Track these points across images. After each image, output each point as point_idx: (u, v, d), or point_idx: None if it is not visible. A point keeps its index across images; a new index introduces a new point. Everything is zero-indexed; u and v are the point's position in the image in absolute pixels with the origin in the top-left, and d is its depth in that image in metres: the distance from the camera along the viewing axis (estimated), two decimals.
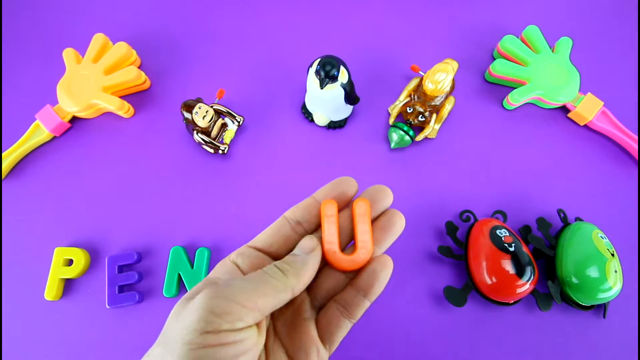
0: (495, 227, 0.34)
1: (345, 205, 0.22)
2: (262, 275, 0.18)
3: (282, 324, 0.20)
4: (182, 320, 0.16)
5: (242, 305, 0.16)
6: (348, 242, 0.22)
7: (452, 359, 0.34)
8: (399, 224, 0.21)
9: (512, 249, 0.32)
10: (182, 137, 0.42)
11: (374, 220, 0.21)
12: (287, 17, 0.47)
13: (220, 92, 0.41)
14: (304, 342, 0.19)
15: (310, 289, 0.21)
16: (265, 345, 0.20)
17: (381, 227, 0.21)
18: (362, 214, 0.20)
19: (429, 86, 0.37)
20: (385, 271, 0.20)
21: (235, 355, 0.16)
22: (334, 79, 0.35)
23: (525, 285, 0.31)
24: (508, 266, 0.31)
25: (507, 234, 0.33)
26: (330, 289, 0.21)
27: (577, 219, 0.37)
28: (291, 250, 0.21)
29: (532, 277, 0.31)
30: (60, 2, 0.50)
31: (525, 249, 0.33)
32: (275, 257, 0.21)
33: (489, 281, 0.32)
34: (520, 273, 0.31)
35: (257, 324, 0.18)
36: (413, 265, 0.37)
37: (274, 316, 0.21)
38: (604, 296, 0.32)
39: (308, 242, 0.20)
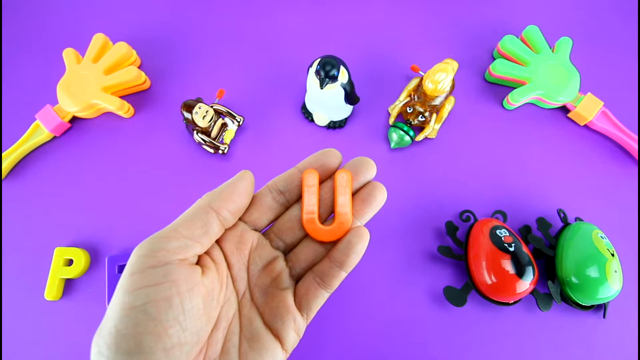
0: (495, 227, 0.34)
1: (328, 177, 0.22)
2: (190, 208, 0.19)
3: (260, 292, 0.21)
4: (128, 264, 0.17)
5: (166, 239, 0.17)
6: (330, 214, 0.22)
7: (452, 359, 0.34)
8: (380, 197, 0.21)
9: (512, 249, 0.32)
10: (182, 137, 0.42)
11: (355, 192, 0.21)
12: (287, 17, 0.47)
13: (220, 92, 0.41)
14: (280, 311, 0.19)
15: (289, 259, 0.22)
16: (241, 312, 0.20)
17: (362, 200, 0.21)
18: (343, 185, 0.20)
19: (429, 86, 0.37)
20: (360, 243, 0.20)
21: (178, 293, 0.16)
22: (334, 79, 0.35)
23: (525, 285, 0.31)
24: (508, 266, 0.31)
25: (507, 234, 0.33)
26: (309, 259, 0.21)
27: (577, 219, 0.37)
28: (272, 220, 0.22)
29: (532, 277, 0.31)
30: (60, 2, 0.50)
31: (525, 249, 0.33)
32: (255, 226, 0.21)
33: (489, 281, 0.32)
34: (520, 273, 0.31)
35: (200, 264, 0.19)
36: (413, 265, 0.37)
37: (252, 285, 0.21)
38: (604, 296, 0.32)
39: (240, 172, 0.20)
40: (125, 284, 0.16)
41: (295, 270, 0.21)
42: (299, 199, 0.22)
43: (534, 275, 0.32)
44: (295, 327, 0.20)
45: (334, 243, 0.21)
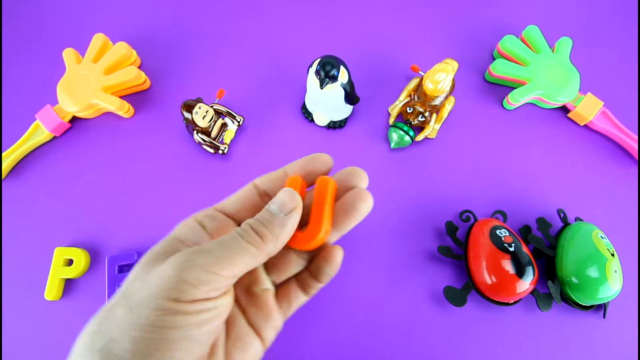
0: (495, 227, 0.34)
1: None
2: (238, 241, 0.17)
3: (242, 292, 0.20)
4: (152, 285, 0.16)
5: (218, 275, 0.16)
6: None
7: (452, 359, 0.34)
8: (363, 207, 0.19)
9: (512, 249, 0.32)
10: (182, 137, 0.42)
11: (340, 197, 0.20)
12: (287, 17, 0.47)
13: (220, 92, 0.41)
14: (263, 311, 0.19)
15: (268, 264, 0.21)
16: None
17: (344, 210, 0.20)
18: (323, 194, 0.19)
19: (429, 86, 0.37)
20: (331, 266, 0.20)
21: (207, 321, 0.16)
22: (334, 79, 0.35)
23: (525, 285, 0.31)
24: (508, 266, 0.31)
25: (507, 234, 0.33)
26: (283, 266, 0.21)
27: (577, 219, 0.37)
28: None
29: (532, 277, 0.31)
30: (60, 2, 0.50)
31: (525, 249, 0.33)
32: (240, 222, 0.21)
33: (489, 281, 0.32)
34: (520, 273, 0.31)
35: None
36: (413, 265, 0.37)
37: (235, 284, 0.20)
38: (604, 296, 0.32)
39: (288, 198, 0.18)
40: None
41: (274, 275, 0.21)
42: None
43: (534, 275, 0.32)
44: (276, 325, 0.20)
45: (311, 252, 0.21)
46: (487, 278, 0.32)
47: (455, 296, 0.34)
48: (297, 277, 0.21)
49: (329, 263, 0.20)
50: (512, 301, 0.33)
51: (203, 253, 0.16)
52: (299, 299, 0.20)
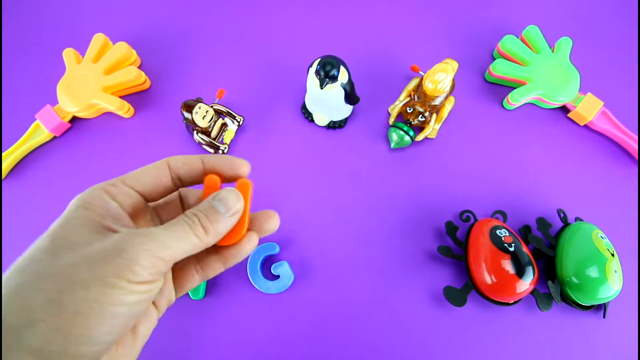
0: (495, 227, 0.34)
1: (234, 180, 0.22)
2: (186, 232, 0.18)
3: None
4: (100, 262, 0.16)
5: (164, 260, 0.17)
6: None
7: (452, 359, 0.34)
8: (270, 227, 0.22)
9: (512, 249, 0.32)
10: (182, 137, 0.42)
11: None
12: (287, 17, 0.47)
13: (220, 92, 0.41)
14: (163, 286, 0.20)
15: None
16: None
17: (256, 227, 0.22)
18: (244, 195, 0.21)
19: (429, 86, 0.37)
20: (248, 245, 0.21)
21: (146, 300, 0.17)
22: (334, 79, 0.35)
23: (525, 285, 0.31)
24: (508, 266, 0.31)
25: (507, 234, 0.33)
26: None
27: (577, 219, 0.37)
28: (164, 196, 0.22)
29: (532, 277, 0.31)
30: (60, 2, 0.50)
31: (525, 249, 0.33)
32: (148, 198, 0.22)
33: (489, 281, 0.32)
34: (520, 273, 0.31)
35: None
36: (413, 265, 0.37)
37: None
38: (604, 296, 0.32)
39: (234, 201, 0.20)
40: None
41: None
42: (191, 185, 0.22)
43: (534, 275, 0.32)
44: (169, 300, 0.21)
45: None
46: (487, 278, 0.32)
47: (455, 296, 0.34)
48: (199, 260, 0.22)
49: (247, 243, 0.21)
50: (512, 301, 0.33)
51: (154, 238, 0.17)
52: (194, 281, 0.22)
